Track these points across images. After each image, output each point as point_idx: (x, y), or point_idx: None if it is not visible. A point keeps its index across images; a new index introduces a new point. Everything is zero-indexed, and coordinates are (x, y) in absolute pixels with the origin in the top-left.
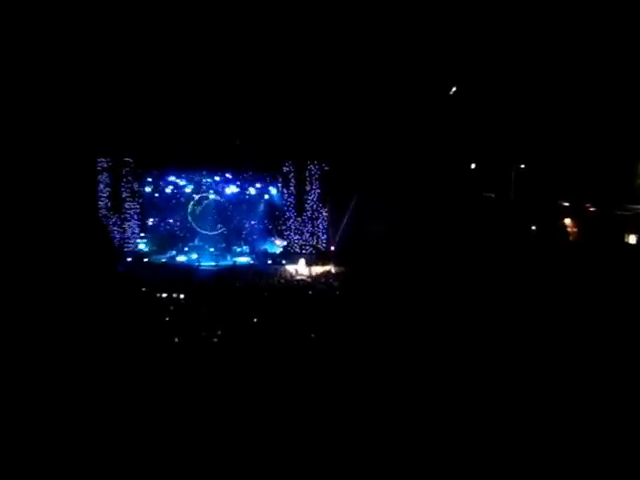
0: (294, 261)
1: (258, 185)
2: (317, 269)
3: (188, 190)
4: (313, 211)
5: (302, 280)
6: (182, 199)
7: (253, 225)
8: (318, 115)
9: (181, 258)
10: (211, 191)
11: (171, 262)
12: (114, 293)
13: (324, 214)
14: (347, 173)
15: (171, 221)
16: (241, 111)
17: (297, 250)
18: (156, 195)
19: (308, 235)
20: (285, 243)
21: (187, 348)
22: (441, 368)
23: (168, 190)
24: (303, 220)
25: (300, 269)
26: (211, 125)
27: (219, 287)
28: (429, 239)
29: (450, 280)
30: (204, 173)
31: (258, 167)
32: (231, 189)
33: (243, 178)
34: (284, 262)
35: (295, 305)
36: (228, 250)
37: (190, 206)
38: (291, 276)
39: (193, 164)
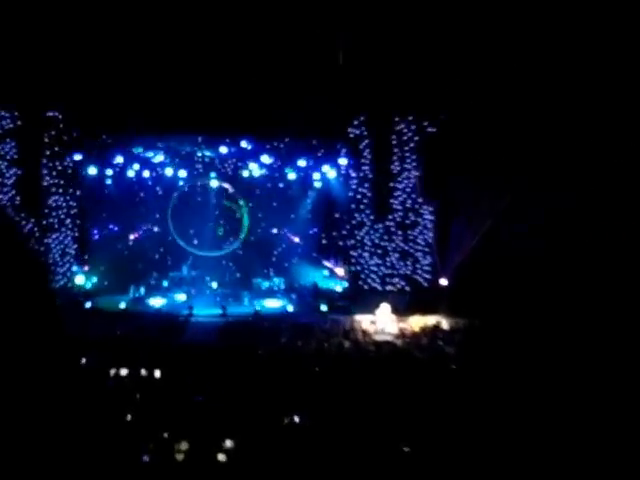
0: (370, 307)
1: (302, 163)
2: (414, 322)
3: (169, 173)
4: (407, 212)
5: (385, 344)
6: (159, 191)
7: (292, 239)
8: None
9: (156, 302)
10: (213, 175)
11: (137, 310)
12: (36, 370)
13: (428, 218)
14: (480, 138)
15: (137, 233)
16: (269, 19)
17: (376, 286)
18: (108, 183)
19: (397, 257)
20: (352, 273)
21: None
22: None
23: (131, 173)
24: (388, 229)
25: (382, 322)
26: (213, 47)
27: (227, 358)
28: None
29: None
30: (200, 141)
31: (303, 129)
32: (252, 171)
33: (275, 150)
34: (351, 309)
35: (373, 395)
36: (245, 286)
37: (174, 204)
38: (365, 336)
39: (179, 124)
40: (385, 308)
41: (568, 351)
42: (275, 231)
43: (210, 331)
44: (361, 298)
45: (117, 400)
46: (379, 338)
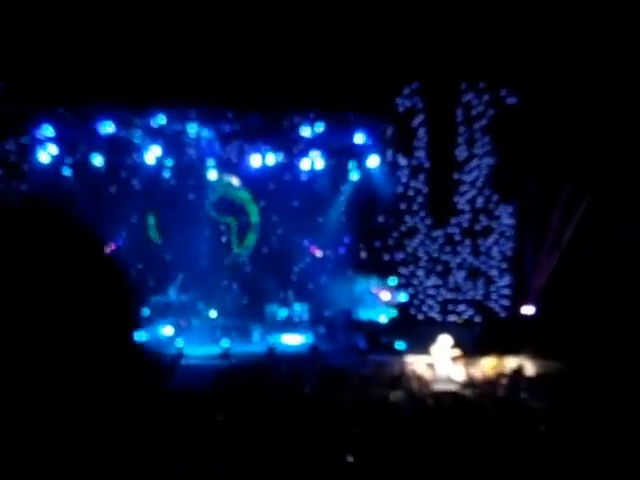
0: (427, 344)
1: (334, 149)
2: (487, 365)
3: (151, 161)
4: (477, 214)
5: (448, 395)
6: (136, 185)
7: (319, 251)
8: None
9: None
10: (211, 164)
11: None
12: None
13: (507, 222)
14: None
15: (106, 244)
16: None
17: (434, 316)
18: (66, 174)
19: (464, 276)
20: (402, 298)
21: None
22: None
23: (98, 161)
24: (451, 237)
25: (442, 365)
26: None
27: (228, 416)
28: None
29: None
30: (193, 116)
31: (334, 101)
32: (265, 157)
33: (294, 128)
34: (400, 347)
35: (430, 467)
36: (255, 316)
37: (157, 203)
38: (421, 385)
39: (164, 93)
40: (446, 345)
41: None
42: (296, 240)
43: (206, 378)
44: (414, 332)
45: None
46: (439, 388)
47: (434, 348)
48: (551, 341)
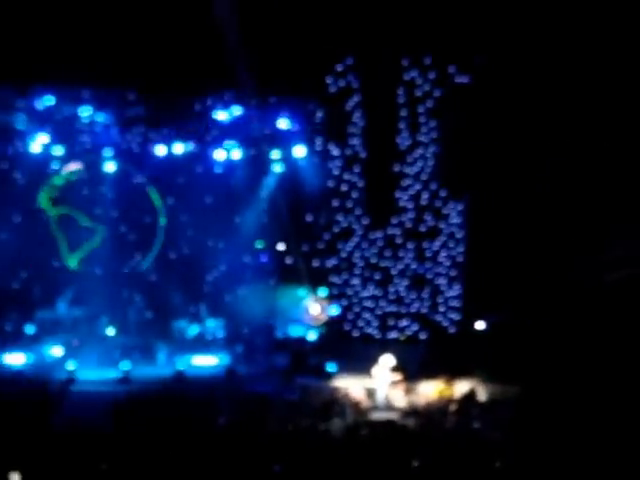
0: (364, 366)
1: (253, 136)
2: (434, 390)
3: (37, 150)
4: (421, 213)
5: (386, 426)
6: (19, 179)
7: (237, 257)
8: None
9: (14, 359)
10: (109, 154)
11: None
12: None
13: (456, 222)
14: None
15: None
16: None
17: (372, 332)
18: None
19: (407, 286)
20: (335, 311)
21: None
22: None
23: None
24: (391, 240)
25: (383, 389)
26: None
27: (129, 453)
28: None
29: None
30: (87, 98)
31: (253, 79)
32: (172, 147)
33: (207, 112)
34: (332, 369)
35: None
36: (161, 333)
37: (44, 199)
38: (355, 412)
39: (54, 70)
40: (387, 367)
41: None
42: (209, 244)
43: (102, 408)
44: (349, 352)
45: None
46: (377, 417)
47: (374, 370)
48: (508, 362)
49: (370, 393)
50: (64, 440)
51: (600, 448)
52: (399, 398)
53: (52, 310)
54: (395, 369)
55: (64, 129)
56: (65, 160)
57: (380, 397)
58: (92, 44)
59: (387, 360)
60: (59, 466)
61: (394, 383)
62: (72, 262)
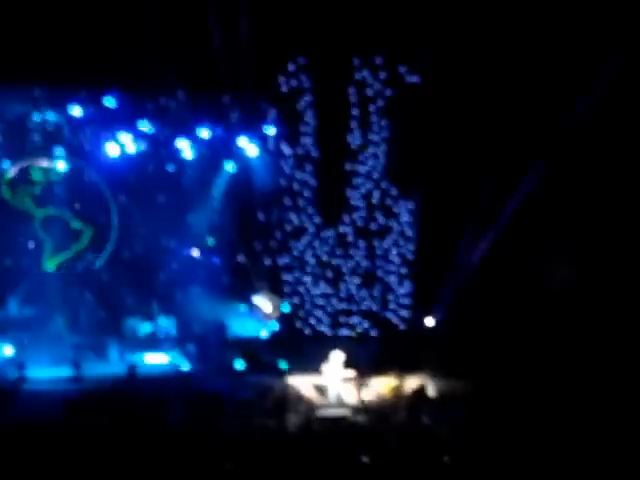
0: (314, 362)
1: (205, 133)
2: (384, 386)
3: None
4: (372, 211)
5: (337, 421)
6: None
7: (188, 255)
8: None
9: None
10: (60, 152)
11: None
12: None
13: (406, 220)
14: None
15: None
16: None
17: (323, 329)
18: None
19: (358, 283)
20: (286, 309)
21: None
22: None
23: None
24: (342, 238)
25: (334, 386)
26: None
27: (79, 450)
28: None
29: None
30: (38, 98)
31: (205, 78)
32: (124, 146)
33: (160, 112)
34: (284, 367)
35: None
36: (113, 331)
37: (26, 197)
38: (307, 409)
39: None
40: (337, 362)
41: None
42: (161, 242)
43: (54, 405)
44: (300, 349)
45: None
46: (328, 413)
47: (325, 367)
48: (456, 357)
49: (321, 390)
50: (13, 439)
51: (545, 442)
52: (351, 394)
53: (3, 309)
54: (347, 366)
55: (14, 128)
56: (14, 160)
57: (332, 394)
58: (42, 39)
59: (337, 356)
60: (7, 466)
61: (346, 380)
62: (50, 265)
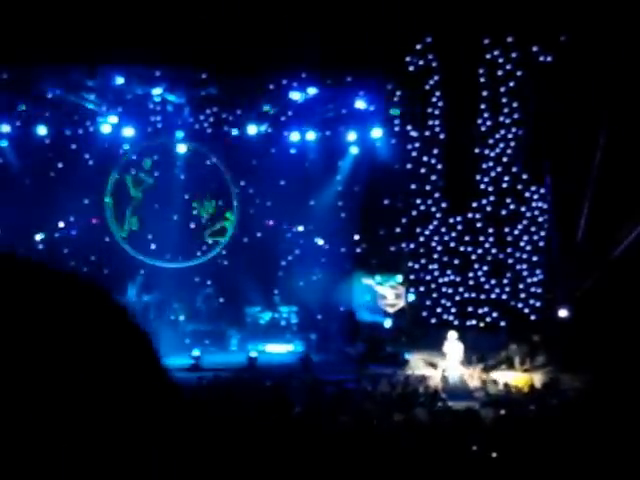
0: (432, 349)
1: (329, 117)
2: (514, 379)
3: (107, 130)
4: (503, 197)
5: (470, 415)
6: (89, 160)
7: (311, 241)
8: None
9: None
10: (180, 135)
11: None
12: None
13: (539, 206)
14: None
15: (55, 232)
16: None
17: (450, 318)
18: (1, 145)
19: (486, 271)
20: (412, 298)
21: None
22: None
23: (42, 131)
24: (471, 225)
25: (455, 371)
26: None
27: (200, 441)
28: None
29: None
30: (157, 78)
31: (330, 59)
32: (246, 128)
33: (280, 96)
34: (408, 357)
35: None
36: (233, 320)
37: (114, 183)
38: (429, 397)
39: (124, 50)
40: (454, 342)
41: None
42: (283, 228)
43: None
44: (425, 340)
45: None
46: (457, 406)
47: (446, 347)
48: (591, 350)
49: (445, 378)
50: None
51: None
52: (476, 386)
53: (122, 296)
54: (470, 353)
55: (134, 109)
56: (135, 142)
57: (453, 379)
58: (163, 23)
59: (456, 346)
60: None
61: (467, 365)
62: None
